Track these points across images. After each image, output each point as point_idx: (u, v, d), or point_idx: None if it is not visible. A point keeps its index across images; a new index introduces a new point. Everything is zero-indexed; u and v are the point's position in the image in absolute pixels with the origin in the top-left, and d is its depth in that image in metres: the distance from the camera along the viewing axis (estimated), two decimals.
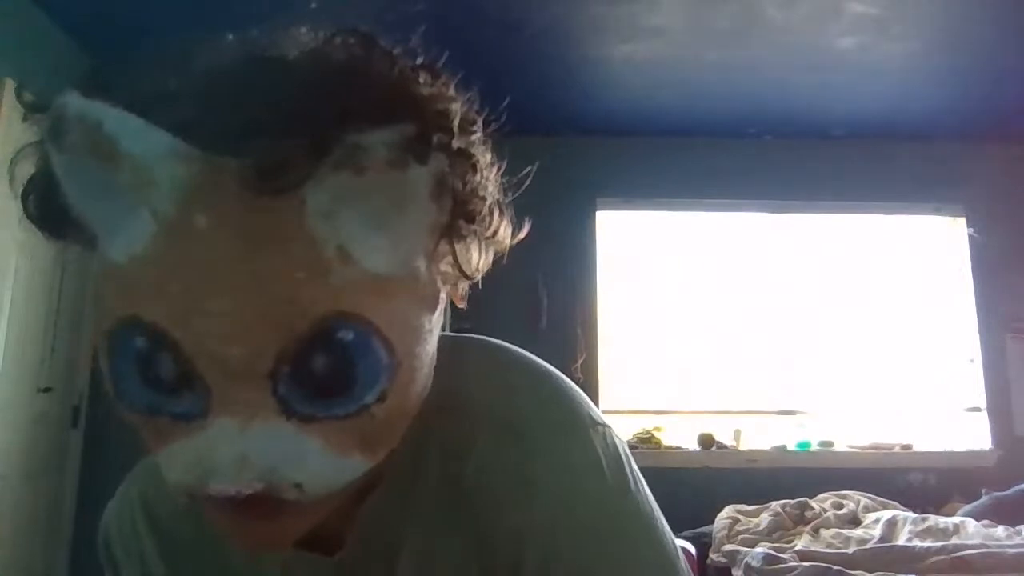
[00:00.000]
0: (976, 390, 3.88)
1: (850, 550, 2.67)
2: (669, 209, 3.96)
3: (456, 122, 0.40)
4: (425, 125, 0.38)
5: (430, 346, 0.43)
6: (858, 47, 3.14)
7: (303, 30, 0.45)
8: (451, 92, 0.43)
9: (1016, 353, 3.86)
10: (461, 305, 0.49)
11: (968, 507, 3.25)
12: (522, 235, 0.48)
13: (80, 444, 3.33)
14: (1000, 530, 2.87)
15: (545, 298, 3.64)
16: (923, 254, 4.09)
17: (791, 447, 3.73)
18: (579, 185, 3.81)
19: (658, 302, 3.88)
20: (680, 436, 3.73)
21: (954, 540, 2.71)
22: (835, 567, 2.49)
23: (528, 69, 3.27)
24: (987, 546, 2.62)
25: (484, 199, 0.43)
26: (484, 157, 0.43)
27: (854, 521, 3.07)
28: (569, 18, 2.92)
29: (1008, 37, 3.06)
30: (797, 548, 2.71)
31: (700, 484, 3.39)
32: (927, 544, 2.66)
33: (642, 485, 0.51)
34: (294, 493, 0.38)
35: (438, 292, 0.44)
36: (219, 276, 0.36)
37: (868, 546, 2.70)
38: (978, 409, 3.86)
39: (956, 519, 3.00)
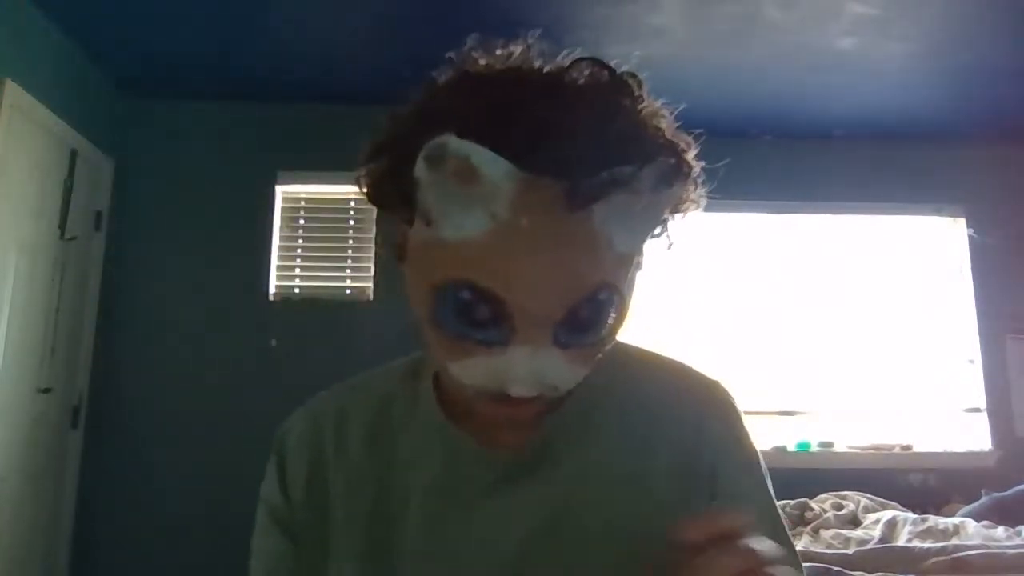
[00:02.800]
0: (976, 391, 3.88)
1: (850, 551, 2.67)
2: None
3: (694, 169, 0.59)
4: (678, 162, 0.56)
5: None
6: (858, 47, 3.14)
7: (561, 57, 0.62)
8: (691, 147, 0.61)
9: (1016, 354, 3.86)
10: None
11: (968, 508, 3.25)
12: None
13: (80, 444, 3.33)
14: (1000, 530, 2.87)
15: None
16: (923, 254, 4.09)
17: (791, 447, 3.73)
18: None
19: (657, 302, 3.88)
20: None
21: (954, 541, 2.71)
22: (835, 568, 2.49)
23: None
24: (987, 547, 2.62)
25: (695, 202, 0.63)
26: (701, 182, 0.62)
27: (854, 522, 3.07)
28: (569, 18, 2.92)
29: (1008, 37, 3.06)
30: (797, 549, 2.71)
31: None
32: (927, 545, 2.66)
33: None
34: (551, 392, 0.57)
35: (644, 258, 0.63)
36: (535, 259, 0.54)
37: (868, 547, 2.70)
38: (978, 410, 3.86)
39: (956, 520, 3.00)
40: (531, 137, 0.53)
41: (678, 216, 0.63)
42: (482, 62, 0.62)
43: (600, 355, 0.61)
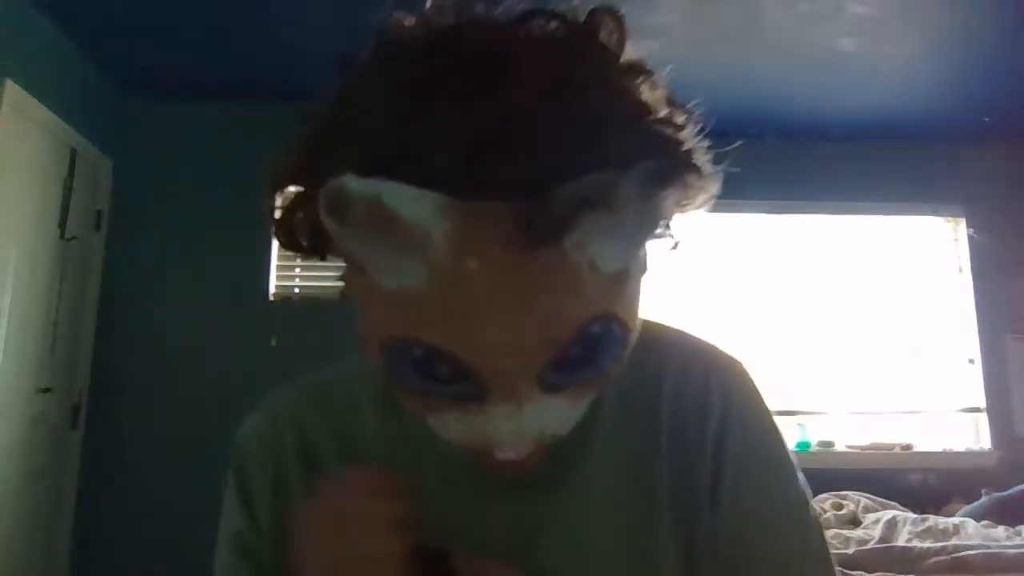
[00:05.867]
0: (976, 391, 3.88)
1: (850, 551, 2.67)
2: None
3: (692, 155, 0.46)
4: (670, 161, 0.43)
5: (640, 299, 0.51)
6: (858, 47, 3.14)
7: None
8: (687, 123, 0.49)
9: (1016, 354, 3.86)
10: None
11: (968, 507, 3.25)
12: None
13: (79, 444, 3.33)
14: (1000, 530, 2.87)
15: None
16: (923, 255, 4.09)
17: (790, 447, 3.73)
18: None
19: (656, 302, 3.87)
20: None
21: (954, 541, 2.71)
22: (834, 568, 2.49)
23: None
24: (987, 546, 2.62)
25: (704, 191, 0.49)
26: (705, 167, 0.48)
27: (854, 522, 3.07)
28: None
29: (1008, 37, 3.05)
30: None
31: None
32: (927, 545, 2.66)
33: None
34: (550, 441, 0.48)
35: (647, 257, 0.51)
36: (493, 308, 0.42)
37: (868, 547, 2.70)
38: (978, 410, 3.86)
39: (956, 519, 3.00)
40: (465, 149, 0.40)
41: (684, 211, 0.51)
42: (408, 24, 0.49)
43: (609, 380, 0.51)
